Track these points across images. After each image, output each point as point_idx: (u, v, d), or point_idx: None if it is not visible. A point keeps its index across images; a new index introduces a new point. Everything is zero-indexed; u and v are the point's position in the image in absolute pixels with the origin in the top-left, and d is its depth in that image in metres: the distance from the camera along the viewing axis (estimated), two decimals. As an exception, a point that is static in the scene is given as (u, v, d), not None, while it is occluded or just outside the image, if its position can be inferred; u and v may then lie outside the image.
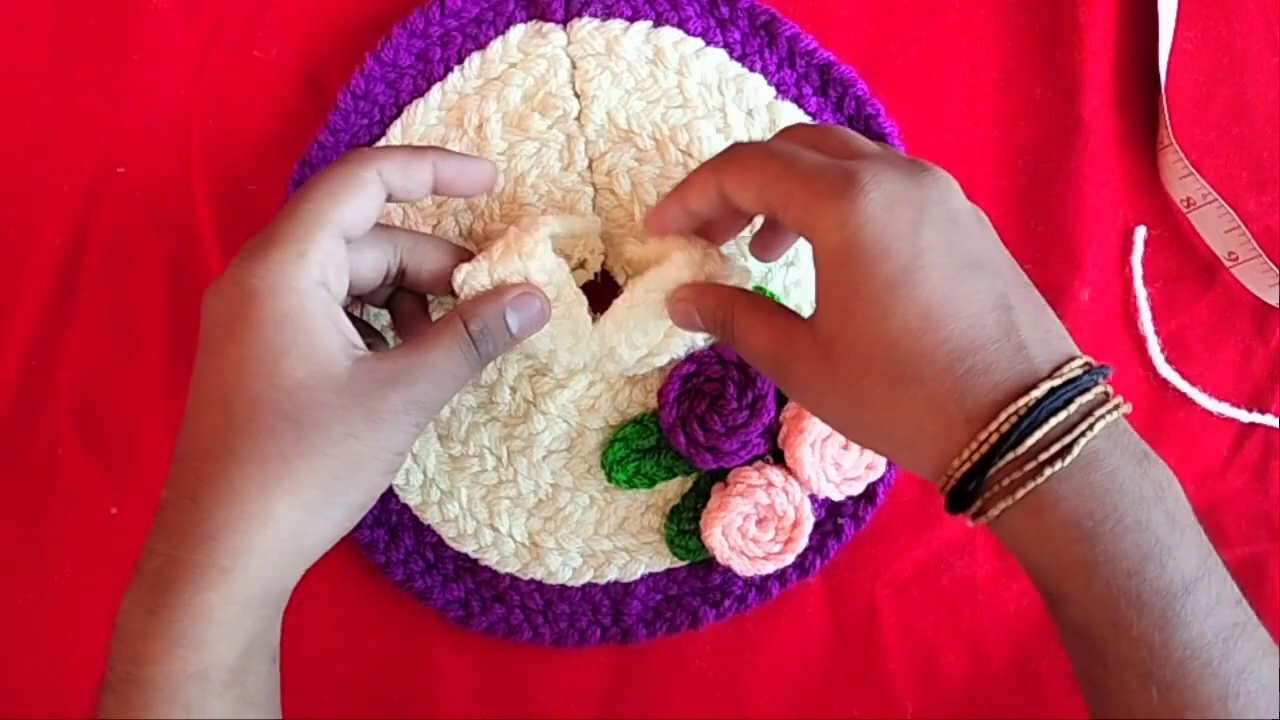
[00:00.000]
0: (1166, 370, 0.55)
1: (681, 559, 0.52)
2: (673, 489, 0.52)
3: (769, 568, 0.51)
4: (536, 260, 0.46)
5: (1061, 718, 0.51)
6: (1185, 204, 0.55)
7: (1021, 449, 0.35)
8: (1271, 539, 0.55)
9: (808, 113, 0.53)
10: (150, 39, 0.53)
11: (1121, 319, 0.56)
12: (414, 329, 0.48)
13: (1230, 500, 0.56)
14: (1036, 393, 0.35)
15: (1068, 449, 0.35)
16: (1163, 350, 0.55)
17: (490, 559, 0.52)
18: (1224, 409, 0.55)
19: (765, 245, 0.49)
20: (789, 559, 0.51)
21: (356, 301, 0.48)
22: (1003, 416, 0.36)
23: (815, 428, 0.50)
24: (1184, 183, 0.54)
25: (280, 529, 0.39)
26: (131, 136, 0.53)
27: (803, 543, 0.51)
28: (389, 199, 0.44)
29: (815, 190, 0.38)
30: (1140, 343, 0.55)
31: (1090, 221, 0.55)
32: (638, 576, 0.53)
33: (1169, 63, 0.54)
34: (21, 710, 0.52)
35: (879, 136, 0.53)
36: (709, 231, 0.46)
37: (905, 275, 0.36)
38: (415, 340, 0.43)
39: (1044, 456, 0.35)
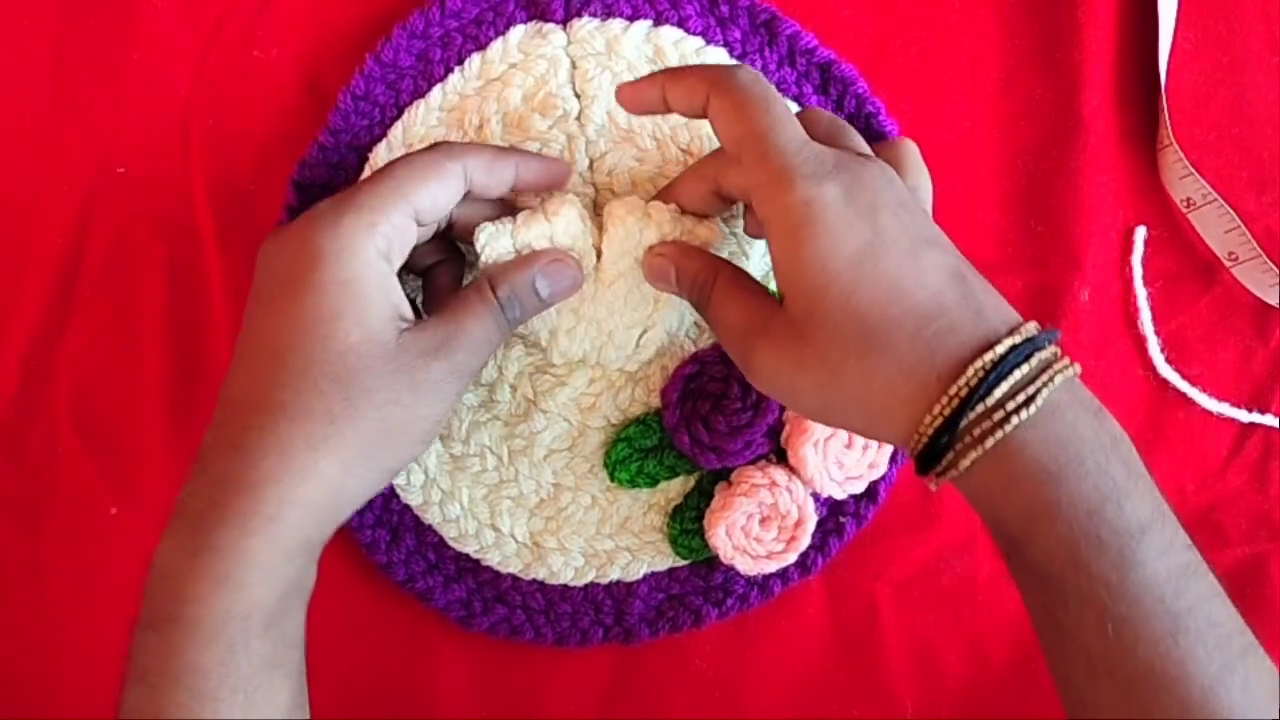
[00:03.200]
0: (1166, 370, 0.55)
1: (684, 558, 0.52)
2: (675, 488, 0.52)
3: (772, 566, 0.51)
4: (562, 220, 0.46)
5: (1061, 717, 0.51)
6: (1185, 204, 0.55)
7: (990, 400, 0.38)
8: (1271, 539, 0.56)
9: (808, 112, 0.53)
10: (150, 39, 0.53)
11: (1121, 319, 0.56)
12: (441, 302, 0.48)
13: (1230, 500, 0.56)
14: (1000, 348, 0.38)
15: (1032, 399, 0.38)
16: (1163, 350, 0.55)
17: (492, 559, 0.52)
18: (1224, 409, 0.55)
19: (758, 224, 0.49)
20: (792, 557, 0.51)
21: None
22: (970, 371, 0.38)
23: (818, 427, 0.50)
24: (1184, 183, 0.54)
25: (321, 485, 0.41)
26: (131, 136, 0.53)
27: (806, 541, 0.51)
28: (468, 195, 0.46)
29: (781, 173, 0.40)
30: (1140, 343, 0.55)
31: (1090, 221, 0.55)
32: (640, 576, 0.53)
33: (1169, 63, 0.54)
34: (20, 710, 0.52)
35: (879, 135, 0.53)
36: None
37: (869, 251, 0.39)
38: (448, 310, 0.45)
39: (1011, 406, 0.38)
